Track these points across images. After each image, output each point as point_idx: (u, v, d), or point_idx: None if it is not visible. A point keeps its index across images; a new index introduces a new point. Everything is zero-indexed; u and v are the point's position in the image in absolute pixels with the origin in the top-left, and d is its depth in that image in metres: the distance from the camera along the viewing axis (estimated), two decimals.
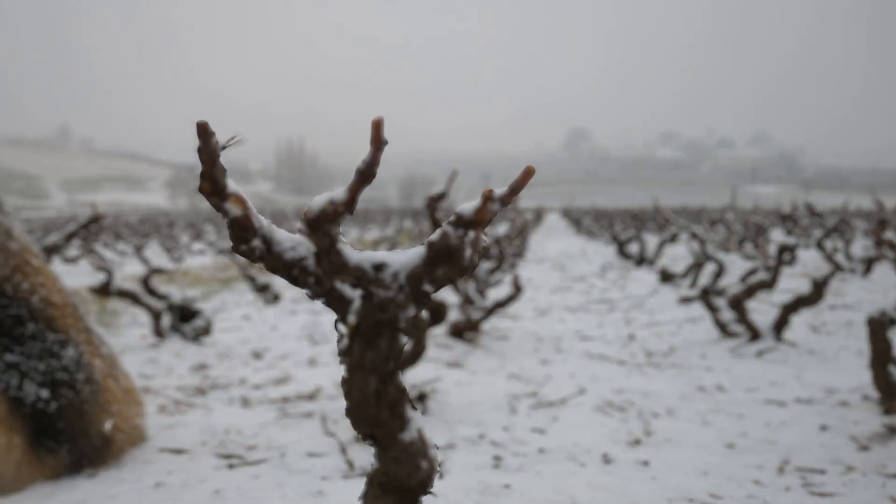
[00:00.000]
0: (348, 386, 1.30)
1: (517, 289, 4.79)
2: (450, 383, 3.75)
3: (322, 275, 1.26)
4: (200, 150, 1.17)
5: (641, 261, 10.77)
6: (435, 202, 2.97)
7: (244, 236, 1.28)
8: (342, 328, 1.36)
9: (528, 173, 1.14)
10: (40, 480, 2.44)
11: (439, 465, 1.41)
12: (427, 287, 1.29)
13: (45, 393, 2.43)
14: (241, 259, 9.49)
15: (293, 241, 1.33)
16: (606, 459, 2.62)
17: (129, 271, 11.74)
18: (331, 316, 6.77)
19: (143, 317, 6.61)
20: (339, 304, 1.32)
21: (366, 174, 1.10)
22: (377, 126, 1.05)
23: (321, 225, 1.12)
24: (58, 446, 2.45)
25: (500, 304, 4.81)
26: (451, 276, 1.30)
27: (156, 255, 18.27)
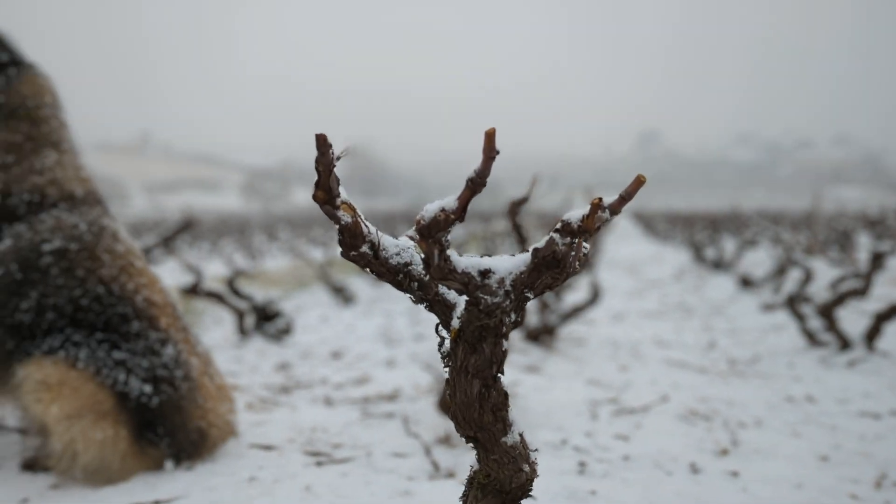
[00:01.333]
0: (452, 389, 1.34)
1: (596, 294, 4.75)
2: (528, 388, 3.75)
3: (428, 280, 1.30)
4: (318, 161, 1.22)
5: (718, 265, 10.48)
6: (516, 207, 2.99)
7: (354, 243, 1.34)
8: (444, 332, 1.40)
9: (638, 182, 1.15)
10: (143, 471, 2.56)
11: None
12: (530, 293, 1.31)
13: (147, 388, 2.55)
14: (318, 261, 9.75)
15: (398, 247, 1.38)
16: (694, 469, 2.58)
17: (208, 272, 12.16)
18: (403, 319, 6.86)
19: (226, 316, 6.86)
20: (441, 309, 1.35)
21: (476, 184, 1.13)
22: (490, 137, 1.08)
23: (432, 232, 1.15)
24: (158, 439, 2.57)
25: (578, 310, 4.78)
26: (554, 283, 1.32)
27: (232, 257, 18.86)
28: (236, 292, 5.36)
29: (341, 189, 1.31)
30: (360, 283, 9.90)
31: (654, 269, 11.50)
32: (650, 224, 26.46)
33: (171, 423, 2.58)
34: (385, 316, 6.90)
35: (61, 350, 2.52)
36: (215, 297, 4.97)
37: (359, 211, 1.36)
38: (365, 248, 1.33)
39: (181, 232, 3.88)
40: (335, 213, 1.30)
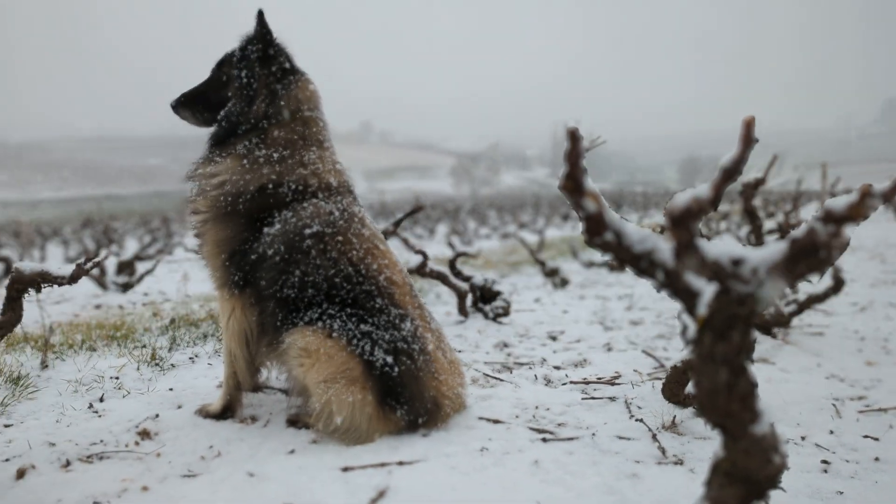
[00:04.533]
0: (697, 376, 1.35)
1: (837, 282, 4.35)
2: (759, 379, 3.56)
3: (674, 268, 1.31)
4: (568, 153, 1.29)
5: None
6: (752, 189, 2.84)
7: (598, 230, 1.39)
8: (688, 319, 1.41)
9: None
10: (385, 435, 2.83)
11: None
12: (783, 283, 1.28)
13: (389, 359, 2.80)
14: (531, 243, 9.91)
15: (641, 235, 1.41)
16: None
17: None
18: (619, 303, 6.77)
19: (446, 295, 7.24)
20: (686, 296, 1.36)
21: (731, 171, 1.13)
22: (748, 125, 1.07)
23: (684, 221, 1.17)
24: (398, 406, 2.81)
25: (816, 299, 4.42)
26: (811, 273, 1.27)
27: (445, 238, 19.68)
28: (458, 273, 5.64)
29: (588, 179, 1.37)
30: (574, 266, 9.91)
31: None
32: None
33: (409, 392, 2.81)
34: (600, 300, 6.86)
35: (319, 321, 2.85)
36: (440, 277, 5.28)
37: (603, 200, 1.41)
38: (609, 236, 1.38)
39: (412, 215, 4.17)
40: (582, 201, 1.36)
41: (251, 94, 3.10)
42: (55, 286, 2.66)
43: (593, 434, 2.81)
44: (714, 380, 1.30)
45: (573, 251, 10.62)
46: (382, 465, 2.48)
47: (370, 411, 2.78)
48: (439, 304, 6.71)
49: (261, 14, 3.12)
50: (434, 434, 2.84)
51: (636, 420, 2.95)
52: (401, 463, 2.51)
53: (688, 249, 1.21)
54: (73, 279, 2.62)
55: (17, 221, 29.07)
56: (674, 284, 1.35)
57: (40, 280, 2.52)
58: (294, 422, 3.00)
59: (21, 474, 2.43)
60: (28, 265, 2.56)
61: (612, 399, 3.34)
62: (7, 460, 2.55)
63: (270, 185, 3.00)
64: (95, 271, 8.24)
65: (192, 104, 3.26)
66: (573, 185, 1.32)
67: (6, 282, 2.82)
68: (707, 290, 1.31)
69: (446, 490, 2.26)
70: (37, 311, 6.20)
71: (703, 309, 1.31)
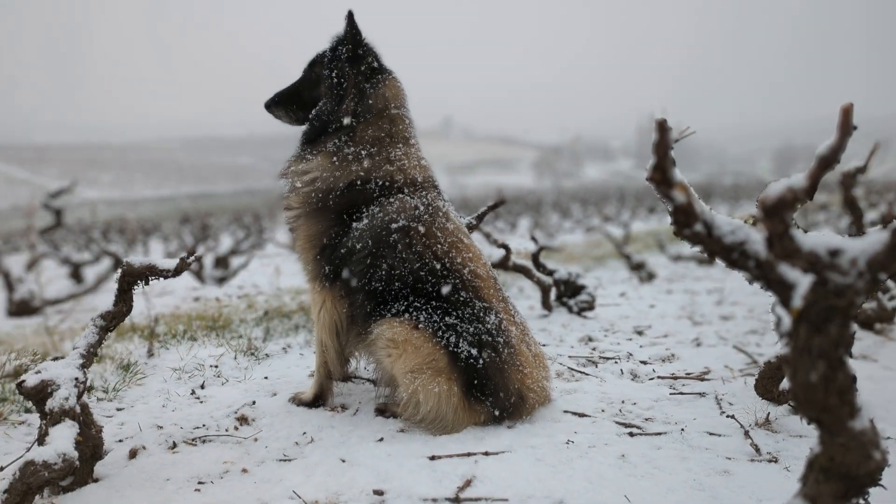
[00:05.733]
0: (793, 370, 1.32)
1: None
2: (860, 377, 3.40)
3: (768, 259, 1.29)
4: (656, 144, 1.28)
5: None
6: (851, 178, 2.72)
7: (688, 221, 1.38)
8: (783, 312, 1.38)
9: None
10: (471, 425, 2.87)
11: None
12: (883, 274, 1.24)
13: (474, 351, 2.83)
14: (616, 237, 9.77)
15: (732, 226, 1.39)
16: None
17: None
18: (708, 298, 6.59)
19: (528, 289, 7.24)
20: (780, 288, 1.34)
21: (828, 160, 1.10)
22: (846, 112, 1.04)
23: (778, 211, 1.15)
24: (484, 398, 2.84)
25: None
26: None
27: (526, 232, 19.58)
28: (541, 267, 5.62)
29: (676, 170, 1.37)
30: (660, 260, 9.69)
31: None
32: None
33: (494, 384, 2.84)
34: (688, 294, 6.69)
35: (406, 314, 2.91)
36: (523, 270, 5.28)
37: (692, 191, 1.40)
38: (698, 227, 1.37)
39: (494, 209, 4.19)
40: (670, 193, 1.36)
41: (341, 94, 3.20)
42: (161, 279, 2.84)
43: (682, 429, 2.76)
44: (810, 374, 1.27)
45: (660, 245, 10.38)
46: (468, 454, 2.52)
47: (456, 402, 2.82)
48: (522, 298, 6.71)
49: (350, 15, 3.21)
50: (519, 426, 2.86)
51: (727, 416, 2.88)
52: (486, 453, 2.54)
53: (782, 240, 1.18)
54: (176, 272, 2.77)
55: (122, 219, 30.91)
56: (767, 276, 1.33)
57: (148, 273, 2.69)
58: (382, 411, 3.09)
59: (133, 454, 2.61)
60: (137, 259, 2.73)
61: (702, 395, 3.26)
62: (120, 441, 2.74)
63: (359, 182, 3.08)
64: (195, 265, 8.69)
65: (285, 103, 3.39)
66: (661, 176, 1.32)
67: (115, 275, 3.02)
68: (802, 281, 1.28)
69: (532, 481, 2.28)
70: (143, 302, 6.59)
71: (798, 301, 1.29)
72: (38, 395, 2.16)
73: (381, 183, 3.09)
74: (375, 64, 3.28)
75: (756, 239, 1.33)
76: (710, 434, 2.71)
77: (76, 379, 2.23)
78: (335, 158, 3.12)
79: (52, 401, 2.14)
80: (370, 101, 3.21)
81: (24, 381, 2.18)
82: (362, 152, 3.12)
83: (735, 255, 1.36)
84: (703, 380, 3.55)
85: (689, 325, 5.13)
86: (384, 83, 3.28)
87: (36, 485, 1.90)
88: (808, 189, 1.12)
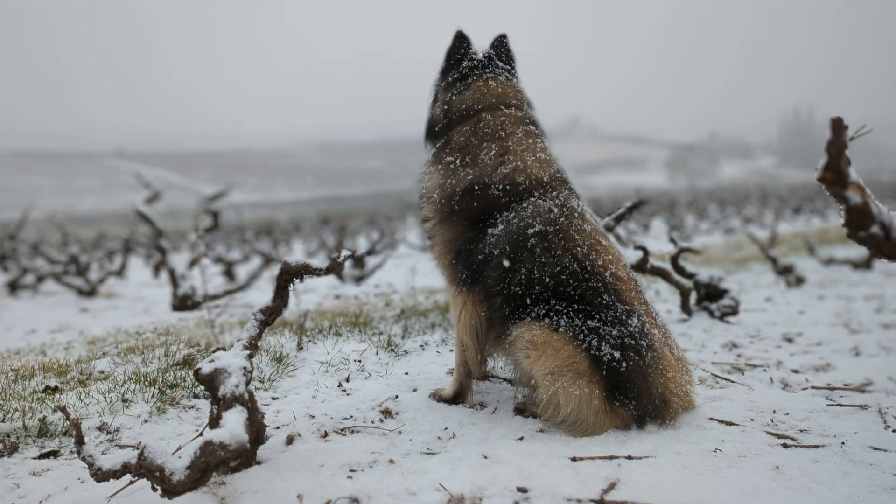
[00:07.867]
0: None
1: None
2: None
3: None
4: (831, 143, 1.24)
5: None
6: None
7: (863, 223, 1.32)
8: None
9: None
10: (613, 429, 2.83)
11: None
12: None
13: (616, 354, 2.80)
14: (760, 238, 9.25)
15: None
16: None
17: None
18: (866, 304, 6.12)
19: (665, 292, 7.02)
20: None
21: None
22: None
23: None
24: (626, 401, 2.80)
25: None
26: None
27: (660, 233, 18.98)
28: (680, 269, 5.44)
29: (851, 170, 1.31)
30: (809, 264, 9.09)
31: None
32: None
33: (637, 388, 2.79)
34: (843, 300, 6.24)
35: (546, 317, 2.92)
36: (661, 273, 5.14)
37: (868, 191, 1.34)
38: (875, 229, 1.30)
39: (634, 209, 4.11)
40: (844, 193, 1.30)
41: (433, 104, 3.46)
42: (314, 276, 3.02)
43: (842, 443, 2.60)
44: None
45: (809, 247, 9.72)
46: (611, 457, 2.51)
47: (597, 405, 2.80)
48: (659, 301, 6.53)
49: (456, 34, 3.40)
50: (662, 432, 2.80)
51: (893, 431, 2.68)
52: (630, 457, 2.51)
53: None
54: (328, 271, 2.94)
55: (269, 221, 32.92)
56: None
57: (303, 271, 2.87)
58: (521, 410, 3.12)
59: (290, 440, 2.80)
60: (293, 259, 2.92)
61: (863, 407, 3.05)
62: (277, 428, 2.95)
63: (476, 187, 3.13)
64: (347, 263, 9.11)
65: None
66: (835, 176, 1.27)
67: (265, 271, 3.26)
68: None
69: (679, 487, 2.23)
70: (293, 298, 7.02)
71: None
72: (212, 381, 2.37)
73: (502, 187, 3.11)
74: (465, 71, 3.36)
75: None
76: (875, 449, 2.53)
77: (244, 368, 2.42)
78: (440, 166, 3.25)
79: (224, 387, 2.34)
80: (454, 108, 3.33)
81: (200, 368, 2.39)
82: (457, 160, 3.22)
83: None
84: (863, 391, 3.32)
85: (846, 333, 4.79)
86: (469, 87, 3.34)
87: (213, 463, 2.09)
88: None
